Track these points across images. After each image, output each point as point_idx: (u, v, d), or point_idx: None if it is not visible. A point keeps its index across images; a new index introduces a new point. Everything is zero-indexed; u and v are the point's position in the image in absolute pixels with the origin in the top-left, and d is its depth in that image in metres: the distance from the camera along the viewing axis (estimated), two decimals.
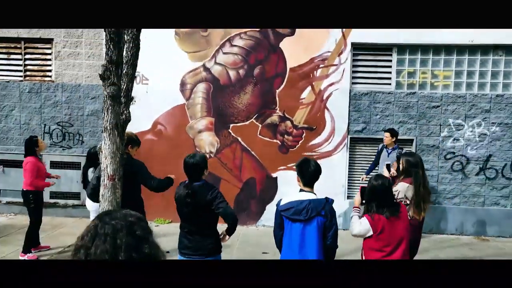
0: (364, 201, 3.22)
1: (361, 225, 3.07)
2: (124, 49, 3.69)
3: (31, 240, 5.53)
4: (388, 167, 4.56)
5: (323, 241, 3.06)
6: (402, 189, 3.77)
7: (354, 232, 3.15)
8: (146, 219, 1.54)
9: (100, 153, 3.67)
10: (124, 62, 3.70)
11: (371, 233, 3.05)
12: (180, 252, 3.57)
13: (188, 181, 3.57)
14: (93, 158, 4.96)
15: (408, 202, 3.72)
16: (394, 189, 3.86)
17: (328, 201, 3.09)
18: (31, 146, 5.42)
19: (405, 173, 3.83)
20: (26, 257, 5.37)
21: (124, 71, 3.72)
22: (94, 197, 3.87)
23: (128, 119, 3.76)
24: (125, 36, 3.69)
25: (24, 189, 5.47)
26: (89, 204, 5.13)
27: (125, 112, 3.72)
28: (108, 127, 3.54)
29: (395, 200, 3.67)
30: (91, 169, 4.99)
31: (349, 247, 5.33)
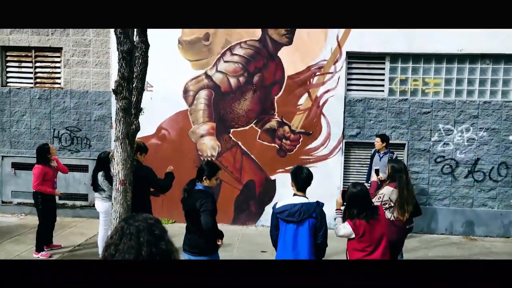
0: (345, 203, 3.57)
1: (345, 229, 3.44)
2: (134, 65, 4.05)
3: (42, 239, 5.87)
4: (377, 171, 4.90)
5: (314, 240, 3.42)
6: (387, 192, 4.13)
7: (339, 234, 3.52)
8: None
9: (113, 160, 4.03)
10: (134, 76, 4.05)
11: (353, 236, 3.41)
12: (182, 248, 3.90)
13: (194, 179, 3.90)
14: (103, 162, 5.32)
15: (392, 204, 4.08)
16: (379, 192, 4.23)
17: (319, 205, 3.45)
18: (44, 154, 5.74)
19: (391, 178, 4.19)
20: (39, 255, 5.73)
21: (134, 85, 4.07)
22: None
23: (137, 129, 4.13)
24: (136, 53, 4.04)
25: (34, 191, 5.82)
26: (99, 205, 5.50)
27: (135, 122, 4.08)
28: (120, 137, 3.90)
29: (380, 202, 4.04)
30: (100, 173, 5.33)
31: (340, 245, 5.66)
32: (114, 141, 3.96)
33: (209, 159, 7.52)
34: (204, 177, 3.84)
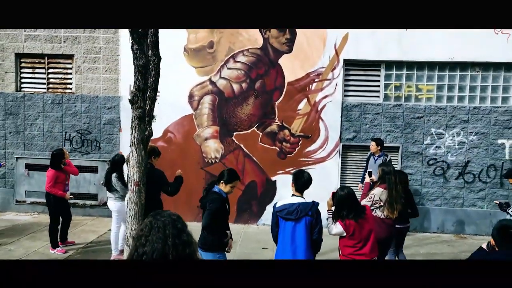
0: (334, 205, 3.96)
1: (336, 229, 3.84)
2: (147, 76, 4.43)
3: (55, 236, 6.25)
4: (370, 173, 5.30)
5: (310, 236, 3.82)
6: (378, 193, 4.53)
7: (331, 233, 3.92)
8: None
9: (128, 163, 4.43)
10: (147, 87, 4.44)
11: (345, 234, 3.81)
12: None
13: (214, 181, 4.24)
14: (117, 164, 5.72)
15: (382, 203, 4.47)
16: (371, 193, 4.63)
17: (314, 204, 3.85)
18: (58, 159, 6.13)
19: (381, 179, 4.59)
20: (55, 251, 6.14)
21: (147, 95, 4.47)
22: None
23: (150, 135, 4.53)
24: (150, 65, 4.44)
25: (46, 191, 6.22)
26: (112, 204, 5.90)
27: (148, 129, 4.48)
28: (135, 142, 4.30)
29: (371, 202, 4.44)
30: (114, 174, 5.71)
31: (335, 242, 6.07)
32: (130, 146, 4.35)
33: (213, 161, 7.93)
34: (222, 182, 4.10)
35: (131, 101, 4.22)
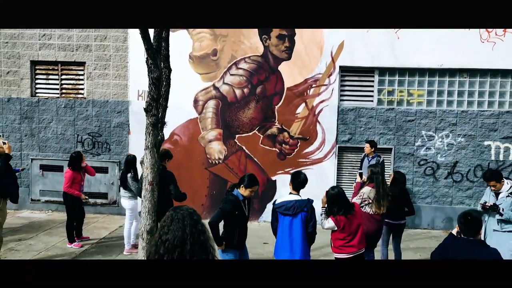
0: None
1: (329, 223, 4.34)
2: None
3: (71, 232, 6.75)
4: (361, 174, 5.80)
5: (306, 229, 4.32)
6: (366, 191, 5.03)
7: (324, 227, 4.42)
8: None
9: (143, 165, 4.93)
10: (160, 96, 4.94)
11: (336, 228, 4.31)
12: None
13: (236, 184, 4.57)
14: (130, 164, 6.22)
15: (370, 201, 4.97)
16: (361, 191, 5.13)
17: (309, 201, 4.35)
18: (77, 161, 6.63)
19: (369, 179, 5.09)
20: (72, 245, 6.64)
21: (160, 103, 4.96)
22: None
23: (162, 139, 5.02)
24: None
25: (63, 191, 6.72)
26: (125, 203, 6.40)
27: (160, 134, 4.97)
28: (149, 146, 4.80)
29: (361, 200, 4.94)
30: (129, 174, 6.20)
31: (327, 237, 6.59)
32: (144, 149, 4.84)
33: (217, 162, 8.44)
34: (242, 186, 4.38)
35: (146, 110, 4.71)
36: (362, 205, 4.96)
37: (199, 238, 2.59)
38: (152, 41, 4.61)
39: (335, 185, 4.67)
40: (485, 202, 5.02)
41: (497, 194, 4.94)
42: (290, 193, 4.45)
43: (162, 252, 2.59)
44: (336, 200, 4.31)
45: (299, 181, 4.42)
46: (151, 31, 4.66)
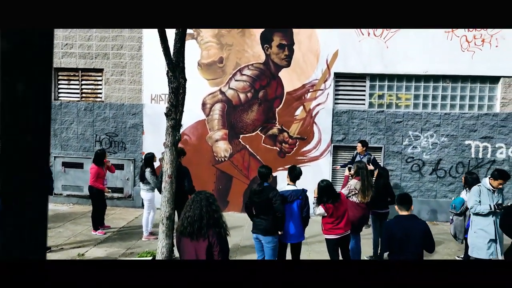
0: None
1: (319, 210, 5.20)
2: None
3: (96, 221, 7.63)
4: (349, 168, 6.64)
5: (301, 214, 5.18)
6: (353, 183, 5.89)
7: (316, 214, 5.28)
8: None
9: (163, 161, 5.79)
10: (178, 103, 5.79)
11: (325, 214, 5.17)
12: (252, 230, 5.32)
13: (260, 181, 5.29)
14: (149, 160, 7.07)
15: (356, 191, 5.83)
16: (348, 183, 5.99)
17: (303, 191, 5.21)
18: (101, 157, 7.50)
19: (355, 173, 5.95)
20: (97, 232, 7.51)
21: (178, 109, 5.81)
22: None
23: (179, 139, 5.87)
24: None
25: (90, 185, 7.59)
26: (144, 194, 7.26)
27: (178, 134, 5.83)
28: (168, 145, 5.65)
29: (348, 191, 5.79)
30: (148, 169, 7.06)
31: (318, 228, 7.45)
32: (165, 148, 5.70)
33: (223, 159, 9.30)
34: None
35: (166, 114, 5.57)
36: (349, 195, 5.81)
37: (213, 216, 3.44)
38: (171, 56, 5.46)
39: (324, 179, 5.50)
40: (499, 203, 5.10)
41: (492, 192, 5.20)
42: (288, 184, 5.31)
43: (186, 224, 3.46)
44: (325, 191, 5.16)
45: (295, 174, 5.28)
46: (171, 46, 5.50)
